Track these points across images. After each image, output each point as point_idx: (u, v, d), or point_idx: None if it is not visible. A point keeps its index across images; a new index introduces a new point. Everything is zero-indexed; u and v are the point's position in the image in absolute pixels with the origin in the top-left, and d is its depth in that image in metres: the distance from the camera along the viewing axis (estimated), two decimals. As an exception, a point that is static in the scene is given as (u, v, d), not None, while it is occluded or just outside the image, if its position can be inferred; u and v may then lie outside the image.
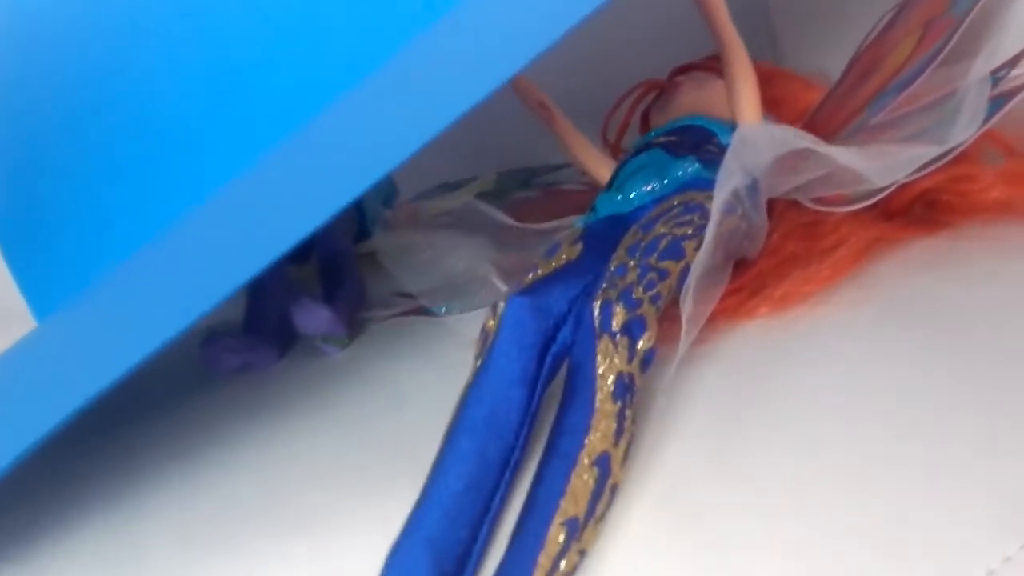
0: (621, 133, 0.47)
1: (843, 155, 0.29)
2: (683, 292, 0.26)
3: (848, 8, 0.49)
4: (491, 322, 0.26)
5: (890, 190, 0.31)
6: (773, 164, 0.30)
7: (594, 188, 0.51)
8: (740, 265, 0.33)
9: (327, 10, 0.39)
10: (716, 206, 0.28)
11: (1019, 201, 0.31)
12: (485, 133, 0.67)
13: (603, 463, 0.22)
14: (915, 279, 0.31)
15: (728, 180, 0.29)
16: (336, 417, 0.32)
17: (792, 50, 0.50)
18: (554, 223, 0.40)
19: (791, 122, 0.36)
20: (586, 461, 0.22)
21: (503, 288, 0.34)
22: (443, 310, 0.36)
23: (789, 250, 0.32)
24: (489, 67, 0.28)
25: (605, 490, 0.22)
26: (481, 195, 0.50)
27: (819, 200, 0.33)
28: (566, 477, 0.22)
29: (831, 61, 0.45)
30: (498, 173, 0.56)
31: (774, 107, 0.40)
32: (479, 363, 0.26)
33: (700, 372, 0.29)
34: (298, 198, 0.32)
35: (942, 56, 0.34)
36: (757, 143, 0.29)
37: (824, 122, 0.37)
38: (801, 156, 0.30)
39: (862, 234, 0.32)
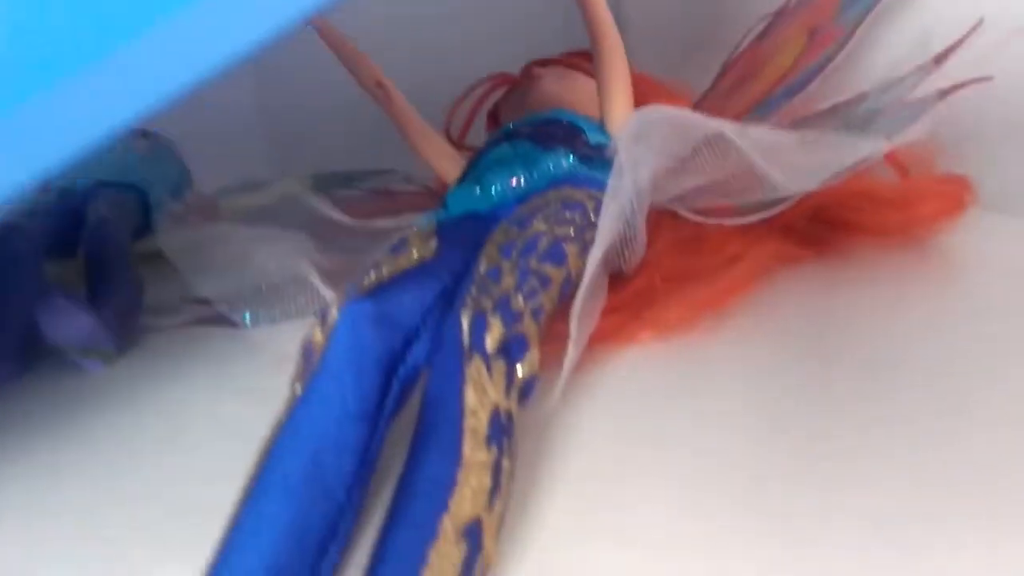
0: (466, 129, 0.42)
1: (766, 141, 0.24)
2: (574, 308, 0.21)
3: (701, 20, 0.47)
4: (318, 335, 0.19)
5: (787, 205, 0.27)
6: (673, 156, 0.25)
7: (428, 190, 0.45)
8: (614, 281, 0.28)
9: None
10: (609, 213, 0.23)
11: (913, 222, 0.29)
12: (297, 134, 0.60)
13: (473, 534, 0.16)
14: (805, 301, 0.27)
15: (623, 181, 0.23)
16: (93, 453, 0.24)
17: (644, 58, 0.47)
18: (390, 222, 0.33)
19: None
20: (450, 531, 0.16)
21: (327, 293, 0.27)
22: (247, 318, 0.28)
23: (672, 267, 0.27)
24: None
25: (475, 573, 0.16)
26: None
27: (703, 211, 0.29)
28: (421, 555, 0.16)
29: (683, 71, 0.42)
30: (313, 175, 0.49)
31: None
32: (298, 390, 0.18)
33: (578, 406, 0.23)
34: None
35: (834, 63, 0.32)
36: (655, 129, 0.24)
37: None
38: (703, 148, 0.25)
39: (758, 251, 0.27)
